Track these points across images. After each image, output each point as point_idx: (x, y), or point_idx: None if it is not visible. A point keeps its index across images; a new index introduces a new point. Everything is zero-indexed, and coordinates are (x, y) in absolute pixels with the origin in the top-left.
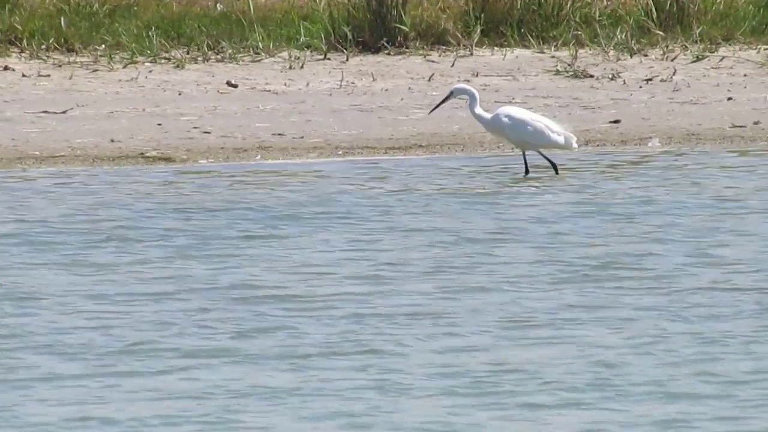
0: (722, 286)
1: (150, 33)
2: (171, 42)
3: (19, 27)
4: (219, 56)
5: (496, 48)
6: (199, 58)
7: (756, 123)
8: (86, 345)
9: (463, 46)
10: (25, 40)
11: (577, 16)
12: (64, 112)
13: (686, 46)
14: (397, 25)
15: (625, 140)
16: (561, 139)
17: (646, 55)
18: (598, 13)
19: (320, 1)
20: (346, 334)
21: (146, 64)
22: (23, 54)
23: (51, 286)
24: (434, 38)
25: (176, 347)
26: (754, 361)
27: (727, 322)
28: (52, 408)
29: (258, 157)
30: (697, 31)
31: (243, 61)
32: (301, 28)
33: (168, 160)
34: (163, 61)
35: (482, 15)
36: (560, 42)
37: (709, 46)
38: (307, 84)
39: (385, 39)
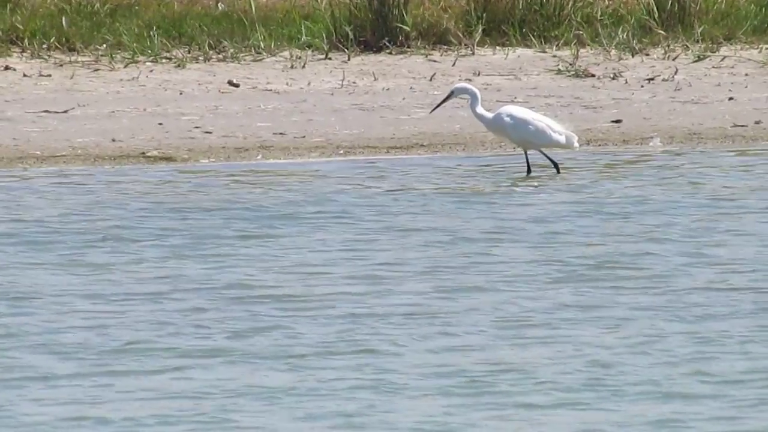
0: (718, 286)
1: (151, 32)
2: (172, 41)
3: (21, 26)
4: (220, 56)
5: (497, 47)
6: (200, 58)
7: (757, 122)
8: (82, 344)
9: (465, 45)
10: (26, 40)
11: (579, 16)
12: (65, 112)
13: (687, 46)
14: (399, 25)
15: (626, 140)
16: (562, 139)
17: (647, 55)
18: (599, 13)
19: (321, 0)
20: (342, 334)
21: (147, 63)
22: (24, 53)
23: (47, 285)
24: (436, 38)
25: (172, 347)
26: (750, 361)
27: (724, 322)
28: (48, 408)
29: (259, 156)
30: (699, 31)
31: (244, 60)
32: (303, 28)
33: (169, 159)
34: (164, 60)
35: (484, 14)
36: (562, 41)
37: (710, 45)
38: (309, 83)
39: (386, 38)
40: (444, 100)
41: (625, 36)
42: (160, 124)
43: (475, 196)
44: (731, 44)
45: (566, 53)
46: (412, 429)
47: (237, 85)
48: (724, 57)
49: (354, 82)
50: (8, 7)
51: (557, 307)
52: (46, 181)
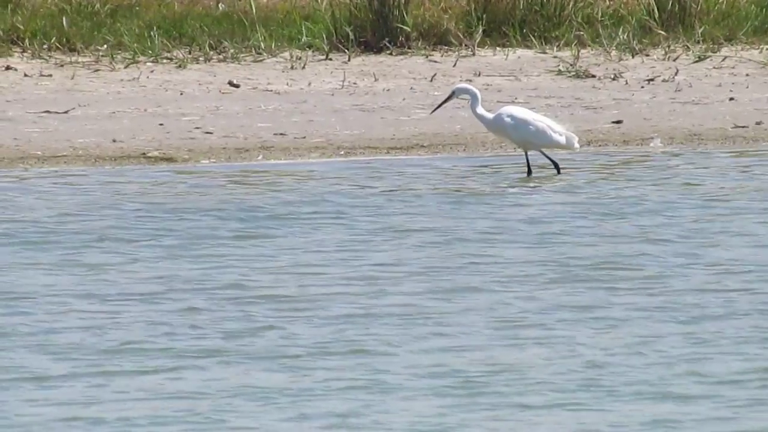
0: (713, 287)
1: (152, 33)
2: (173, 42)
3: (21, 27)
4: (221, 56)
5: (498, 48)
6: (200, 58)
7: (758, 123)
8: (77, 344)
9: (465, 46)
10: (27, 40)
11: (579, 17)
12: (65, 112)
13: (688, 46)
14: (399, 25)
15: (627, 140)
16: (563, 139)
17: (648, 55)
18: (600, 14)
19: (322, 1)
20: (337, 335)
21: (148, 64)
22: (25, 54)
23: (43, 286)
24: (436, 38)
25: (167, 347)
26: (745, 361)
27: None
28: (42, 408)
29: (260, 157)
30: (699, 31)
31: (245, 61)
32: (303, 28)
33: (170, 160)
34: (164, 61)
35: (484, 15)
36: (562, 42)
37: (711, 46)
38: (309, 84)
39: (387, 39)
40: (445, 101)
41: (625, 36)
42: (161, 124)
43: (473, 196)
44: (732, 45)
45: (567, 54)
46: (407, 429)
47: (237, 86)
48: (725, 57)
49: (354, 83)
50: (9, 8)
51: (553, 308)
52: (47, 181)
